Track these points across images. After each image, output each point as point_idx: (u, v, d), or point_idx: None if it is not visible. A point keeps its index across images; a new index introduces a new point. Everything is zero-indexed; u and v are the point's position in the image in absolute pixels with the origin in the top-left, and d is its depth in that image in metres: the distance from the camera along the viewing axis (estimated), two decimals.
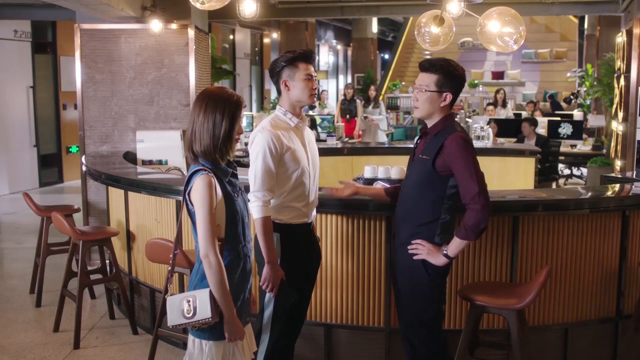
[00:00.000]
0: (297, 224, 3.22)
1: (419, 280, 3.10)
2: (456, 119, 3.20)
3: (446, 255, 3.02)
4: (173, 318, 2.63)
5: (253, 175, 3.09)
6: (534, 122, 9.19)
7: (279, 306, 3.21)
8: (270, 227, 3.10)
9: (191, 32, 6.53)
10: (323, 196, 3.83)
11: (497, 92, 11.89)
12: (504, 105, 11.64)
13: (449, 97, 3.05)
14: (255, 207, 3.06)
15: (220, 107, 2.66)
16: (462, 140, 2.97)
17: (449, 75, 3.04)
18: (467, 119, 12.09)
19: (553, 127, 10.19)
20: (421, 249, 3.07)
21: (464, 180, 2.93)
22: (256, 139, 3.13)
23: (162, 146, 6.27)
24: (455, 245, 3.00)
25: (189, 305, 2.59)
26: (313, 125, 9.51)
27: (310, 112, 11.75)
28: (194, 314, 2.58)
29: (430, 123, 3.14)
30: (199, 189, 2.59)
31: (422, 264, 3.07)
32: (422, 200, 3.10)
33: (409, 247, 3.10)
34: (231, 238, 2.71)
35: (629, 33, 7.19)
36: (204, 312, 2.57)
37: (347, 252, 3.92)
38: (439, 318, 3.20)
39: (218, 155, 2.67)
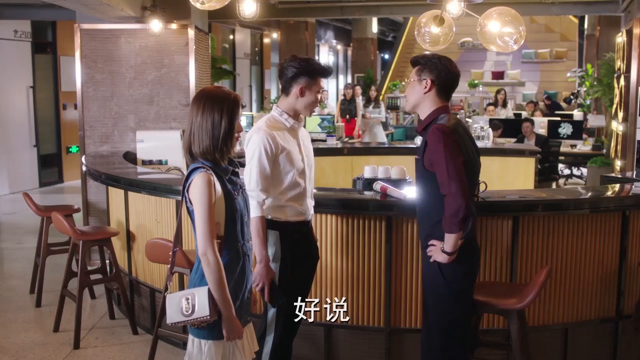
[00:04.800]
0: (296, 222, 3.25)
1: (437, 283, 3.08)
2: (458, 116, 3.20)
3: (444, 252, 2.98)
4: (172, 315, 2.63)
5: (248, 175, 3.12)
6: (532, 122, 9.24)
7: (283, 306, 3.23)
8: (264, 227, 3.13)
9: (191, 32, 6.53)
10: (323, 196, 3.83)
11: (498, 92, 11.90)
12: (504, 105, 11.64)
13: (428, 82, 3.08)
14: (250, 207, 3.07)
15: (218, 107, 2.64)
16: (436, 131, 2.97)
17: (427, 62, 3.10)
18: (467, 119, 12.10)
19: (553, 127, 10.19)
20: (433, 249, 3.06)
21: (437, 170, 2.95)
22: (252, 139, 3.16)
23: (162, 146, 6.27)
24: (446, 239, 2.97)
25: (187, 303, 2.59)
26: None
27: None
28: (193, 311, 2.58)
29: (422, 118, 3.17)
30: (198, 187, 2.59)
31: (437, 266, 3.04)
32: (427, 200, 3.10)
33: (427, 250, 3.10)
34: (230, 236, 2.70)
35: (629, 33, 7.19)
36: (203, 310, 2.56)
37: (347, 252, 3.92)
38: (460, 324, 3.13)
39: (218, 155, 2.65)
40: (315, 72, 3.20)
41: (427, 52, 3.21)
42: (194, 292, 2.61)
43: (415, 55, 3.22)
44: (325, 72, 3.24)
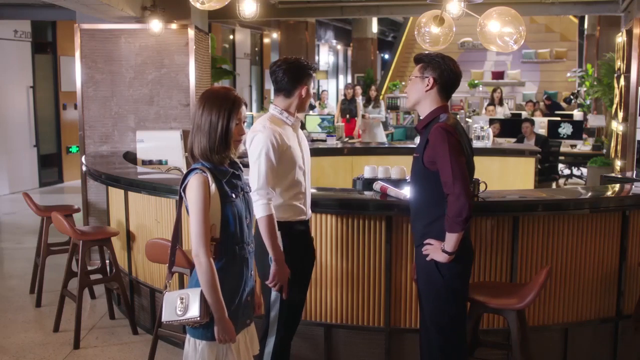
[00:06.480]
0: (298, 221, 3.25)
1: (434, 281, 3.07)
2: (457, 117, 3.20)
3: (445, 251, 2.98)
4: (167, 314, 2.64)
5: (256, 174, 3.10)
6: (531, 123, 9.25)
7: (285, 306, 3.23)
8: (275, 225, 3.11)
9: (191, 32, 6.53)
10: (323, 196, 3.83)
11: (494, 90, 11.92)
12: (501, 103, 11.66)
13: (430, 81, 3.08)
14: (260, 206, 3.06)
15: (216, 108, 2.62)
16: (441, 130, 2.97)
17: (431, 60, 3.10)
18: (467, 119, 12.10)
19: (553, 127, 10.20)
20: (430, 248, 3.05)
21: (442, 170, 2.94)
22: (256, 138, 3.14)
23: (162, 146, 6.27)
24: (448, 239, 2.96)
25: (181, 303, 2.59)
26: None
27: (311, 112, 11.76)
28: (186, 312, 2.58)
29: (421, 116, 3.17)
30: (193, 188, 2.58)
31: (435, 265, 3.03)
32: (423, 199, 3.10)
33: (422, 249, 3.09)
34: (227, 239, 2.67)
35: (629, 33, 7.19)
36: (193, 311, 2.57)
37: (346, 252, 3.92)
38: (457, 322, 3.13)
39: (216, 157, 2.63)
40: (311, 70, 3.30)
41: (430, 51, 3.19)
42: (189, 292, 2.60)
43: (419, 53, 3.21)
44: (315, 68, 3.36)
